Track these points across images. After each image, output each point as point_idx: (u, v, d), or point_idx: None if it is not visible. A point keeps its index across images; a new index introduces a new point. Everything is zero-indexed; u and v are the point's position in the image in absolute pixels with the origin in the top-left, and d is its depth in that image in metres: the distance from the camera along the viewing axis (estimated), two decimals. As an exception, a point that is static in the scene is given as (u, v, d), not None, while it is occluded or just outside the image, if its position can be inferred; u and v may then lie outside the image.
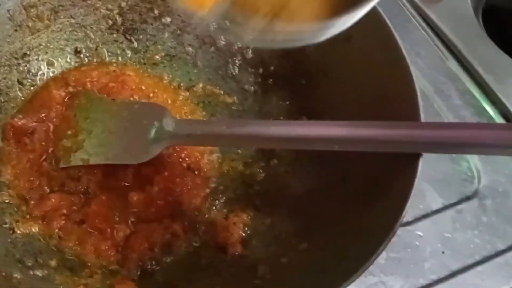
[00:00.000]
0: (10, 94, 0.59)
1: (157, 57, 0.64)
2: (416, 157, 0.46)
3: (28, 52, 0.61)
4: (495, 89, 0.73)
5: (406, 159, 0.46)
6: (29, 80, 0.61)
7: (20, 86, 0.60)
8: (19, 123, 0.58)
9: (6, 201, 0.54)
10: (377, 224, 0.44)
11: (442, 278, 0.59)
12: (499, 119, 0.72)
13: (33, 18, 0.60)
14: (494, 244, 0.62)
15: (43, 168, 0.56)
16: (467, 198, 0.65)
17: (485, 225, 0.62)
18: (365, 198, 0.48)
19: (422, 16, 0.81)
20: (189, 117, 0.62)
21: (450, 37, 0.78)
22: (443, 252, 0.61)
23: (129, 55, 0.64)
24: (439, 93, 0.73)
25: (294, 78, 0.59)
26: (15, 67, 0.60)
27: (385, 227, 0.43)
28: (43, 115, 0.59)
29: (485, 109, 0.72)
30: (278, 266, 0.49)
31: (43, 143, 0.58)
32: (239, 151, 0.59)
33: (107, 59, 0.64)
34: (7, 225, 0.52)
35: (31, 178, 0.56)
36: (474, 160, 0.68)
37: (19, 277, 0.47)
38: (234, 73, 0.63)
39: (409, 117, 0.47)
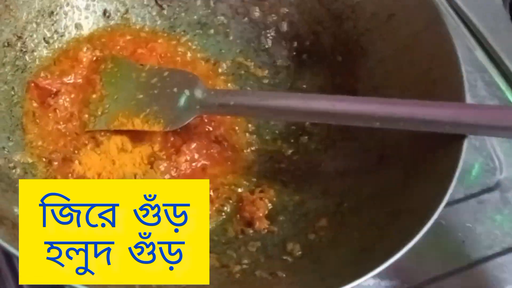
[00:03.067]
0: (35, 53, 0.58)
1: (187, 25, 0.63)
2: (461, 138, 0.45)
3: (56, 11, 0.59)
4: (521, 81, 0.73)
5: (450, 140, 0.45)
6: (56, 40, 0.59)
7: (46, 45, 0.58)
8: (44, 83, 0.56)
9: (29, 161, 0.52)
10: (417, 207, 0.44)
11: (461, 268, 0.58)
12: (523, 112, 0.71)
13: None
14: (512, 237, 0.62)
15: (67, 130, 0.55)
16: (489, 189, 0.64)
17: (506, 217, 0.61)
18: (404, 179, 0.47)
19: (450, 4, 0.80)
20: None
21: (478, 27, 0.77)
22: (463, 242, 0.60)
23: (158, 22, 0.63)
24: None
25: (330, 55, 0.58)
26: (42, 25, 0.58)
27: (426, 210, 0.42)
28: (68, 77, 0.58)
29: (510, 101, 0.72)
30: (307, 244, 0.48)
31: (68, 105, 0.56)
32: (269, 126, 0.58)
33: (136, 23, 0.62)
34: None
35: (55, 140, 0.54)
36: (497, 152, 0.68)
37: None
38: (267, 46, 0.61)
39: (453, 99, 0.46)
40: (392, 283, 0.57)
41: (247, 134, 0.58)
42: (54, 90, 0.57)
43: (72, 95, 0.57)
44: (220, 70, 0.61)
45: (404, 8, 0.52)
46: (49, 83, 0.57)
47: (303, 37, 0.60)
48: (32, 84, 0.56)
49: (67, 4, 0.60)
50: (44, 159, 0.53)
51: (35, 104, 0.56)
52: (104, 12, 0.61)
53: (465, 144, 0.44)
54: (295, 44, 0.60)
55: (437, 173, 0.44)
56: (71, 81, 0.58)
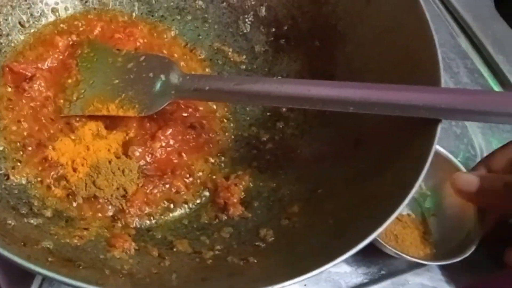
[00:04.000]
0: (10, 37, 0.57)
1: (165, 9, 0.62)
2: (434, 123, 0.44)
3: (30, -4, 0.58)
4: (505, 69, 0.73)
5: (424, 125, 0.45)
6: (32, 24, 0.58)
7: (22, 29, 0.58)
8: (18, 67, 0.55)
9: (2, 147, 0.52)
10: (390, 192, 0.43)
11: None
12: (505, 100, 0.71)
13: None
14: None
15: (41, 115, 0.54)
16: (470, 176, 0.64)
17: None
18: (379, 164, 0.46)
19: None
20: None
21: (461, 13, 0.77)
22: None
23: (136, 7, 0.62)
24: (447, 69, 0.72)
25: (308, 39, 0.58)
26: (17, 8, 0.57)
27: (399, 195, 0.42)
28: (44, 62, 0.57)
29: (492, 89, 0.72)
30: (280, 229, 0.48)
31: (43, 90, 0.55)
32: (245, 111, 0.57)
33: (113, 8, 0.61)
34: (2, 171, 0.50)
35: (29, 125, 0.54)
36: (478, 139, 0.68)
37: (13, 223, 0.45)
38: (245, 31, 0.61)
39: (430, 83, 0.46)
40: (369, 270, 0.57)
41: (224, 120, 0.57)
42: (29, 74, 0.56)
43: (47, 80, 0.56)
44: (197, 56, 0.61)
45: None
46: (23, 68, 0.56)
47: (281, 22, 0.59)
48: (7, 69, 0.55)
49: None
50: (18, 145, 0.52)
51: (9, 89, 0.55)
52: (82, -4, 0.60)
53: (439, 129, 0.44)
54: (273, 29, 0.60)
55: (411, 158, 0.44)
56: (47, 66, 0.57)
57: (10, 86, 0.55)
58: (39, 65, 0.56)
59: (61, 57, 0.58)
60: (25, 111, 0.54)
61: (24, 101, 0.55)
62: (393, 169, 0.45)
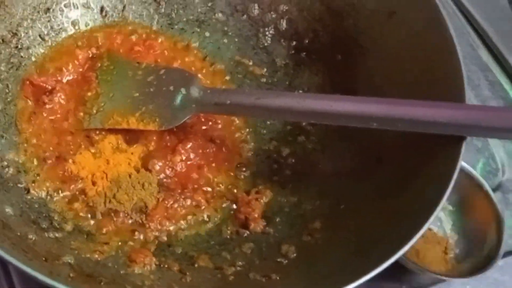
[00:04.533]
0: (31, 50, 0.57)
1: (185, 22, 0.62)
2: (459, 140, 0.44)
3: (52, 7, 0.58)
4: (526, 81, 0.72)
5: (448, 142, 0.44)
6: (52, 37, 0.58)
7: (42, 42, 0.58)
8: (38, 80, 0.56)
9: (22, 160, 0.52)
10: (414, 210, 0.43)
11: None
12: (527, 113, 0.70)
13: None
14: (516, 239, 0.61)
15: (62, 128, 0.54)
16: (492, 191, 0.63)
17: (508, 218, 0.60)
18: (402, 181, 0.46)
19: (456, 3, 0.79)
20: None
21: (483, 26, 0.76)
22: (465, 243, 0.59)
23: (156, 20, 0.62)
24: (469, 81, 0.71)
25: (329, 53, 0.57)
26: (37, 22, 0.57)
27: (423, 213, 0.41)
28: (64, 74, 0.57)
29: (514, 102, 0.71)
30: (303, 246, 0.48)
31: (63, 103, 0.56)
32: (266, 125, 0.57)
33: (133, 21, 0.61)
34: (22, 185, 0.50)
35: (49, 138, 0.54)
36: (499, 153, 0.67)
37: (34, 238, 0.45)
38: (265, 44, 0.61)
39: (453, 99, 0.45)
40: (390, 285, 0.56)
41: (244, 134, 0.57)
42: (49, 88, 0.56)
43: (67, 93, 0.56)
44: (217, 69, 0.61)
45: (405, 6, 0.51)
46: (43, 81, 0.56)
47: (302, 35, 0.59)
48: (27, 82, 0.55)
49: (64, 1, 0.59)
50: (38, 158, 0.52)
51: (29, 102, 0.55)
52: (101, 9, 0.61)
53: (464, 146, 0.43)
54: (294, 42, 0.60)
55: (435, 176, 0.44)
56: (67, 79, 0.57)
57: (30, 100, 0.55)
58: (59, 78, 0.57)
59: (80, 69, 0.58)
60: (45, 124, 0.54)
61: (44, 114, 0.55)
62: (416, 186, 0.45)
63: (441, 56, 0.48)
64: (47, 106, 0.55)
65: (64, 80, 0.57)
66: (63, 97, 0.56)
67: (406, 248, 0.40)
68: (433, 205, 0.41)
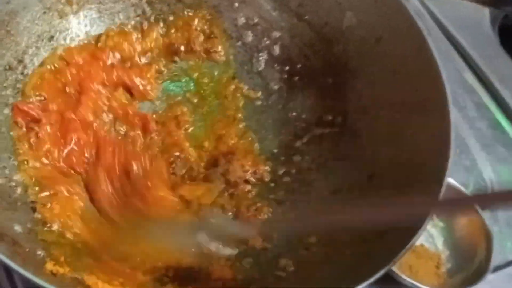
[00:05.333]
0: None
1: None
2: (444, 157, 0.46)
3: (55, 35, 0.60)
4: (510, 103, 0.74)
5: (435, 160, 0.46)
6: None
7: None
8: (25, 107, 0.56)
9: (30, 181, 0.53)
10: (403, 225, 0.44)
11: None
12: (513, 132, 0.73)
13: (62, 2, 0.60)
14: (504, 255, 0.62)
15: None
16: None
17: (496, 235, 0.62)
18: (392, 197, 0.48)
19: (442, 28, 0.82)
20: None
21: (468, 50, 0.79)
22: (455, 260, 0.61)
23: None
24: (455, 104, 0.73)
25: (320, 77, 0.60)
26: (42, 49, 0.59)
27: (412, 228, 0.43)
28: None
29: (499, 123, 0.73)
30: (300, 260, 0.49)
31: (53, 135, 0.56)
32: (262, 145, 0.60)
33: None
34: (30, 205, 0.52)
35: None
36: (487, 172, 0.69)
37: (42, 254, 0.46)
38: (259, 69, 0.63)
39: (439, 119, 0.48)
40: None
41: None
42: (37, 116, 0.56)
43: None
44: (214, 92, 0.63)
45: (391, 33, 0.54)
46: (30, 107, 0.56)
47: (295, 61, 0.62)
48: (15, 108, 0.56)
49: (66, 29, 0.61)
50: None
51: (20, 130, 0.56)
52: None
53: (449, 164, 0.45)
54: (287, 67, 0.62)
55: (423, 191, 0.46)
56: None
57: (20, 126, 0.56)
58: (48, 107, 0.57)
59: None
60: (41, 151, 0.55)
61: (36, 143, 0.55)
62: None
63: (426, 79, 0.50)
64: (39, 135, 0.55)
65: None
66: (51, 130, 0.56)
67: (396, 260, 0.42)
68: (420, 221, 0.43)
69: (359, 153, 0.51)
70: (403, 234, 0.43)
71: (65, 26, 0.61)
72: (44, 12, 0.59)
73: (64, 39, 0.61)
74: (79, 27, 0.62)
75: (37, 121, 0.56)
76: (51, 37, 0.60)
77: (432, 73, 0.50)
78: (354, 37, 0.57)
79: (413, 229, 0.43)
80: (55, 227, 0.51)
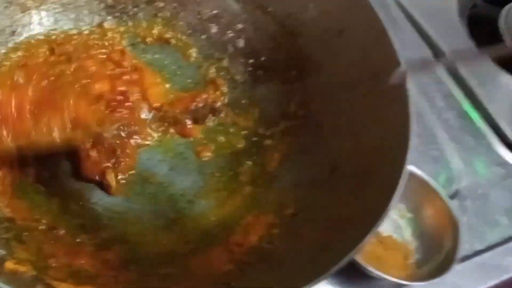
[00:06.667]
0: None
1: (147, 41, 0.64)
2: (404, 147, 0.46)
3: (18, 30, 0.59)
4: (478, 93, 0.75)
5: (396, 150, 0.46)
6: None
7: None
8: None
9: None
10: (365, 215, 0.45)
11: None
12: (480, 123, 0.73)
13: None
14: (472, 245, 0.63)
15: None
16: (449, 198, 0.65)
17: (464, 225, 0.62)
18: (353, 189, 0.48)
19: (408, 18, 0.82)
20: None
21: (435, 39, 0.79)
22: (423, 249, 0.61)
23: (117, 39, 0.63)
24: (423, 93, 0.73)
25: (285, 70, 0.60)
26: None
27: (373, 218, 0.43)
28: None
29: (467, 113, 0.74)
30: (264, 253, 0.50)
31: None
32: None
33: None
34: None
35: None
36: (455, 162, 0.69)
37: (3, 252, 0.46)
38: (224, 63, 0.63)
39: (398, 110, 0.48)
40: None
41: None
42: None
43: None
44: (177, 86, 0.62)
45: (353, 24, 0.54)
46: None
47: (259, 53, 0.61)
48: None
49: (29, 23, 0.60)
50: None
51: None
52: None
53: (408, 153, 0.45)
54: (252, 60, 0.62)
55: (384, 181, 0.46)
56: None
57: None
58: None
59: None
60: None
61: None
62: (367, 193, 0.47)
63: (388, 70, 0.50)
64: None
65: None
66: None
67: (357, 251, 0.42)
68: (381, 210, 0.43)
69: (321, 146, 0.51)
70: (364, 223, 0.43)
71: (27, 21, 0.60)
72: (6, 7, 0.58)
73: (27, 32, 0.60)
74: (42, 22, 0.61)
75: None
76: (13, 32, 0.59)
77: (392, 62, 0.50)
78: (317, 29, 0.57)
79: (374, 218, 0.43)
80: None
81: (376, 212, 0.43)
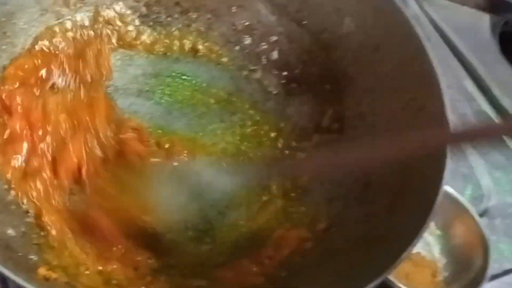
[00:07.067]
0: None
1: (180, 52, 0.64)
2: (441, 165, 0.46)
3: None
4: (510, 110, 0.74)
5: (431, 168, 0.46)
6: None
7: None
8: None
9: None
10: (400, 233, 0.44)
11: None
12: (510, 141, 0.73)
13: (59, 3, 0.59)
14: (501, 264, 0.62)
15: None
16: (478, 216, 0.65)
17: (493, 244, 0.62)
18: (388, 206, 0.48)
19: (439, 34, 0.81)
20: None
21: (467, 57, 0.78)
22: (451, 268, 0.61)
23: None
24: (454, 110, 0.73)
25: (319, 83, 0.59)
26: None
27: (408, 236, 0.43)
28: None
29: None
30: (294, 267, 0.49)
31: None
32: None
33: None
34: (23, 208, 0.51)
35: None
36: (485, 180, 0.68)
37: (35, 258, 0.46)
38: (257, 75, 0.63)
39: (437, 126, 0.48)
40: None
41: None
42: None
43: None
44: (211, 97, 0.62)
45: (390, 40, 0.54)
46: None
47: (293, 66, 0.61)
48: None
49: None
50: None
51: None
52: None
53: (445, 171, 0.45)
54: (285, 72, 0.62)
55: (420, 200, 0.45)
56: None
57: None
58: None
59: None
60: None
61: None
62: (402, 211, 0.46)
63: (425, 87, 0.50)
64: None
65: None
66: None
67: (391, 270, 0.41)
68: (417, 229, 0.43)
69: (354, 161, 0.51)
70: (399, 242, 0.43)
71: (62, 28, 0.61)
72: (41, 14, 0.59)
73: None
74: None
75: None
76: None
77: (430, 81, 0.50)
78: (352, 44, 0.57)
79: (409, 237, 0.43)
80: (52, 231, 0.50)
81: (411, 231, 0.43)
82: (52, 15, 0.60)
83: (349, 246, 0.48)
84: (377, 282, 0.41)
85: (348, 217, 0.51)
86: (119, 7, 0.63)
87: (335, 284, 0.45)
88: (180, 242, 0.53)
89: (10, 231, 0.48)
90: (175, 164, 0.56)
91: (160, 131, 0.59)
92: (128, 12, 0.63)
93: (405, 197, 0.47)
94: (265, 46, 0.62)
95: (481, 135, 0.42)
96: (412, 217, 0.45)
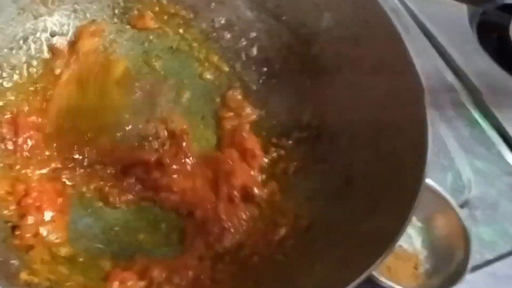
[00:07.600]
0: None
1: (159, 50, 0.63)
2: (422, 158, 0.46)
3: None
4: (488, 101, 0.74)
5: (412, 161, 0.46)
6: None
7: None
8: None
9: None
10: (383, 228, 0.44)
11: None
12: (491, 132, 0.73)
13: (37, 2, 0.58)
14: (483, 254, 0.63)
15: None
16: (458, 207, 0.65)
17: (474, 235, 0.62)
18: (370, 202, 0.48)
19: (418, 26, 0.82)
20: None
21: (446, 48, 0.79)
22: (433, 259, 0.61)
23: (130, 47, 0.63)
24: (433, 102, 0.73)
25: (298, 79, 0.59)
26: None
27: (391, 232, 0.43)
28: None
29: (477, 121, 0.74)
30: (278, 264, 0.49)
31: None
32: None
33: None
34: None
35: None
36: (465, 170, 0.69)
37: (16, 263, 0.46)
38: (237, 71, 0.62)
39: (416, 123, 0.48)
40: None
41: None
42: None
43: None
44: (190, 93, 0.62)
45: (368, 34, 0.53)
46: None
47: (272, 62, 0.61)
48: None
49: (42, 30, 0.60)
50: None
51: None
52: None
53: (427, 164, 0.45)
54: (265, 68, 0.61)
55: (401, 195, 0.45)
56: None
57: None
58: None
59: None
60: None
61: None
62: (384, 206, 0.46)
63: (405, 80, 0.50)
64: None
65: None
66: None
67: (376, 265, 0.41)
68: (400, 224, 0.43)
69: (336, 156, 0.51)
70: (382, 237, 0.43)
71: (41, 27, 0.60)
72: (19, 13, 0.58)
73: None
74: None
75: None
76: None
77: (409, 73, 0.50)
78: (332, 38, 0.57)
79: (392, 233, 0.43)
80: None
81: (393, 227, 0.43)
82: (29, 14, 0.58)
83: (332, 244, 0.48)
84: (360, 279, 0.41)
85: (330, 214, 0.51)
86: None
87: (318, 282, 0.44)
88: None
89: None
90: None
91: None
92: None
93: (387, 192, 0.47)
94: (245, 42, 0.62)
95: None
96: (395, 213, 0.44)
